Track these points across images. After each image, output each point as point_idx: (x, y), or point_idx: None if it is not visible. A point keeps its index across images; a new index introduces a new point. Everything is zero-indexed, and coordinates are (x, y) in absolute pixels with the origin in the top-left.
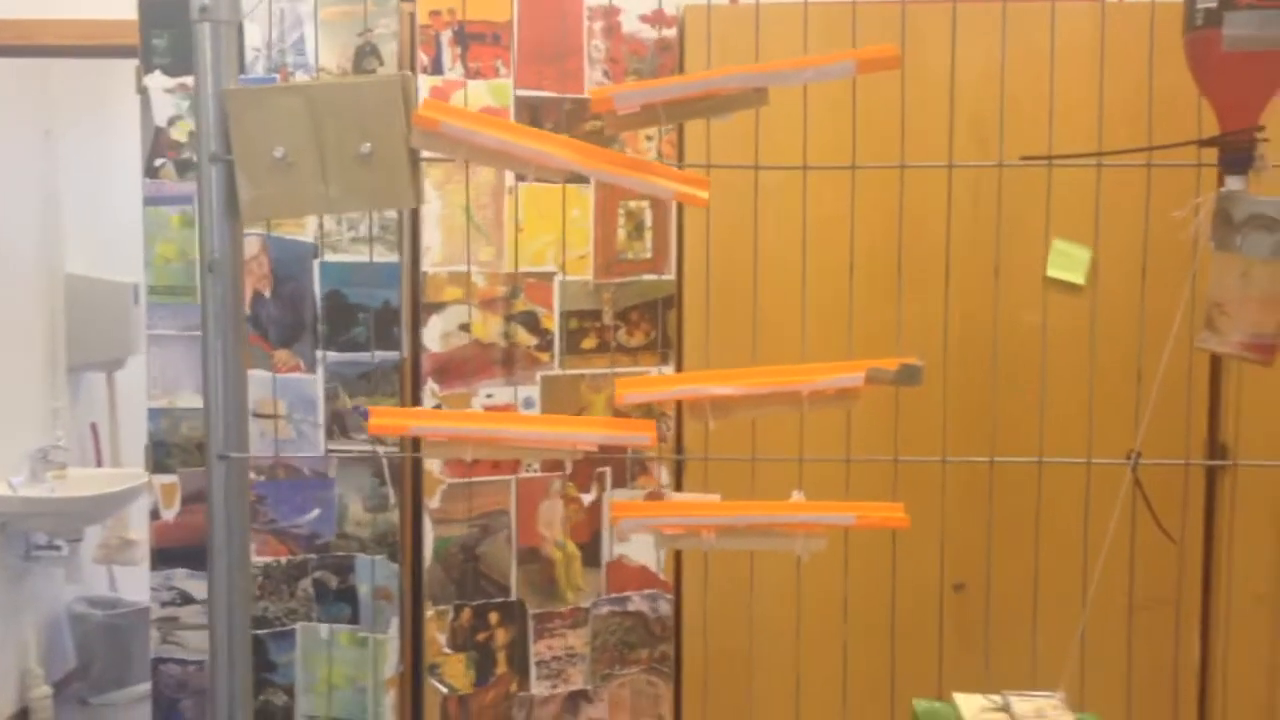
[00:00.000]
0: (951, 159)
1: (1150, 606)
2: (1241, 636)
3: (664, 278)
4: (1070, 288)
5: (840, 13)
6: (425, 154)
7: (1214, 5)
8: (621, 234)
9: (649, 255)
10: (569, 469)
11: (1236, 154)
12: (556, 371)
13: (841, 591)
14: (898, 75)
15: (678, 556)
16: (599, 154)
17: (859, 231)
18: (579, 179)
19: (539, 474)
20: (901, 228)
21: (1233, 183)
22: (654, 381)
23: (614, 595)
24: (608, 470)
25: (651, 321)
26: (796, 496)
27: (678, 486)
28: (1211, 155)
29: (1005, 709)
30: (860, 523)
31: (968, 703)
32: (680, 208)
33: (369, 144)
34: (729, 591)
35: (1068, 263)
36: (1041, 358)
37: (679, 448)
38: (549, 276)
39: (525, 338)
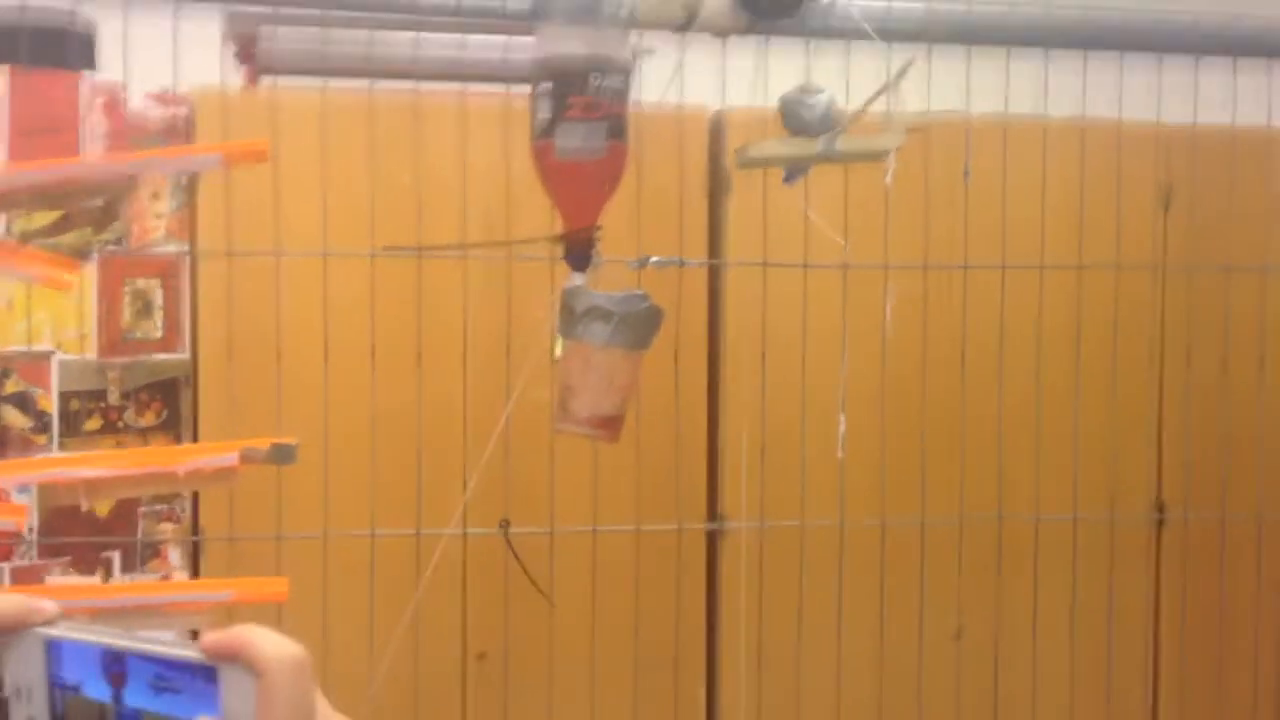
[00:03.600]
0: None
1: (663, 667)
2: (746, 691)
3: (177, 356)
4: None
5: (358, 101)
6: None
7: (549, 117)
8: (128, 313)
9: (159, 334)
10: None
11: (577, 251)
12: (56, 455)
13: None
14: (414, 161)
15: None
16: None
17: (390, 314)
18: (80, 253)
19: (37, 561)
20: (421, 311)
21: (575, 278)
22: (25, 465)
23: None
24: (116, 555)
25: (164, 400)
26: (177, 576)
27: (195, 569)
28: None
29: None
30: (238, 599)
31: None
32: (194, 286)
33: None
34: None
35: None
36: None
37: (195, 528)
38: (45, 355)
39: (18, 419)
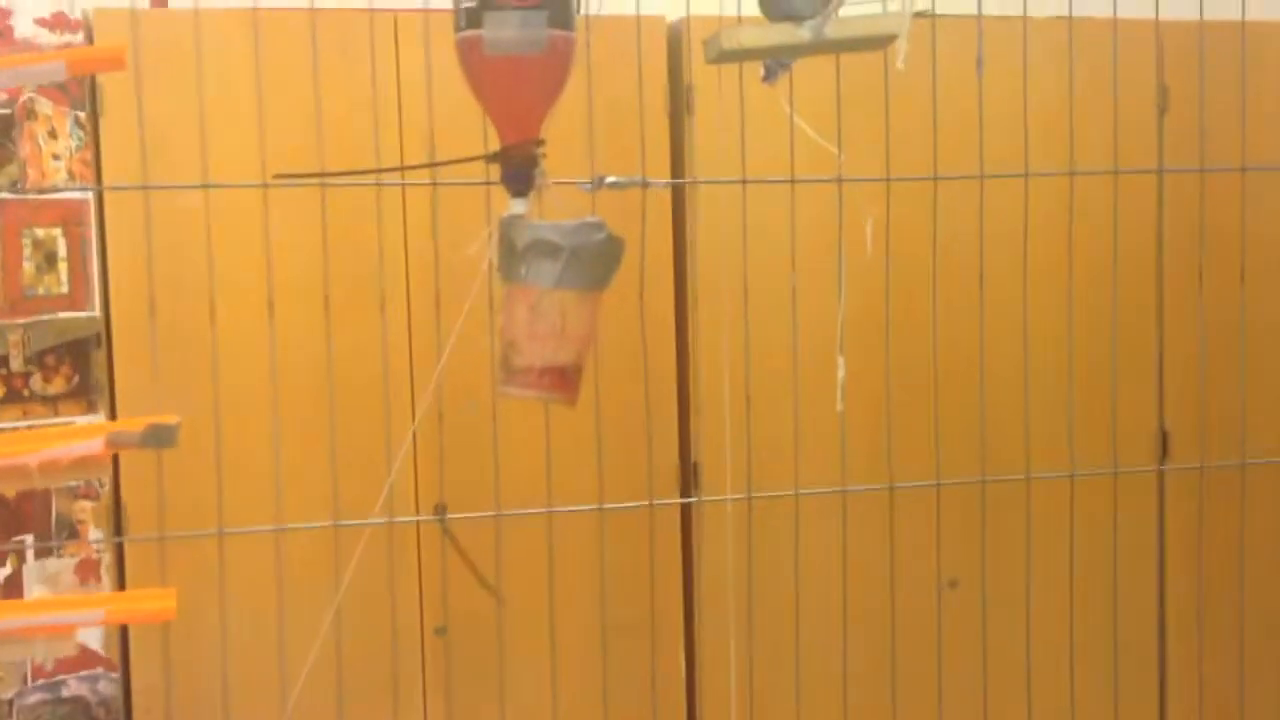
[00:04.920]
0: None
1: (633, 632)
2: (722, 655)
3: (86, 314)
4: None
5: (291, 20)
6: None
7: (475, 5)
8: (29, 266)
9: (65, 290)
10: None
11: (515, 171)
12: None
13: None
14: (311, 80)
15: (124, 630)
16: None
17: (290, 253)
18: None
19: None
20: (327, 251)
21: (515, 205)
22: None
23: (45, 680)
24: (28, 537)
25: (73, 365)
26: (40, 591)
27: (119, 561)
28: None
29: None
30: (110, 618)
31: None
32: (102, 234)
33: None
34: (188, 663)
35: None
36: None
37: (116, 503)
38: None
39: None
